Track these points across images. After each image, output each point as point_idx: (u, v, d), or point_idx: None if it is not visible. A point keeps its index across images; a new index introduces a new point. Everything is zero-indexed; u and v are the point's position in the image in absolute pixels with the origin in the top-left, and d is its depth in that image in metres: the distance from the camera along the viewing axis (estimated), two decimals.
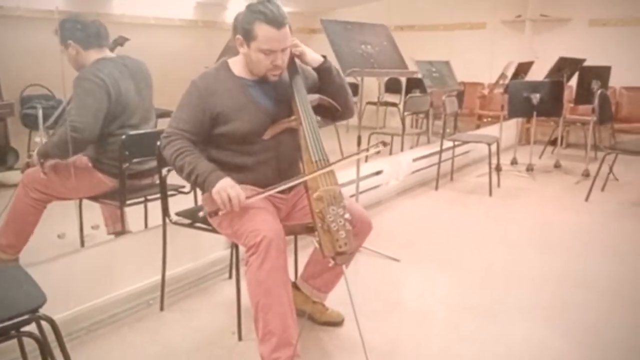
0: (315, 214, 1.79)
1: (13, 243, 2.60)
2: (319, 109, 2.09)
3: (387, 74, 3.26)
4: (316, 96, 2.08)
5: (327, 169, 1.87)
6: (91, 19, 2.62)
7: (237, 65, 2.05)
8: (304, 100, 2.00)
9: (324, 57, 2.11)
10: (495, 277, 2.81)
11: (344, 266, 1.83)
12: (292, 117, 2.01)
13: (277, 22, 1.88)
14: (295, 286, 2.24)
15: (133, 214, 2.83)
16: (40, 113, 3.03)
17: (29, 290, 1.48)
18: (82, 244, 2.68)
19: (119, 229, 2.85)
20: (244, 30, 1.92)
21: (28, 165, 2.75)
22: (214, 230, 2.07)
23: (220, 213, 1.86)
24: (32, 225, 2.61)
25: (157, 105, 2.71)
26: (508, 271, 2.90)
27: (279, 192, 1.97)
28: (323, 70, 2.09)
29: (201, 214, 1.97)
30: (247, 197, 1.85)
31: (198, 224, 2.18)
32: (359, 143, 3.05)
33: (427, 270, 2.90)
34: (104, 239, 2.53)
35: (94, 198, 2.61)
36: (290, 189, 2.07)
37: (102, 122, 2.43)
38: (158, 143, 2.25)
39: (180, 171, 1.93)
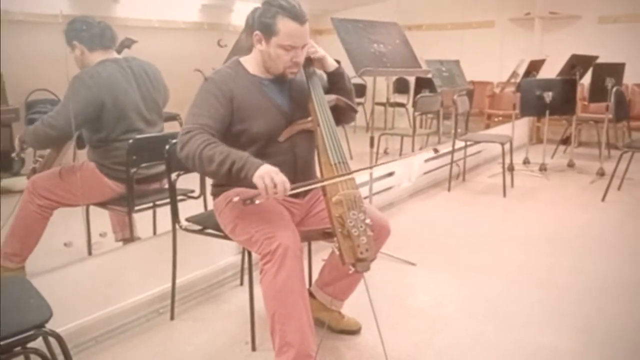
0: (335, 218, 1.70)
1: (19, 251, 2.53)
2: (333, 111, 2.01)
3: (401, 73, 3.19)
4: (333, 96, 2.00)
5: (345, 177, 1.77)
6: (98, 21, 2.56)
7: (250, 63, 1.97)
8: (322, 101, 1.92)
9: (338, 62, 2.04)
10: (514, 282, 2.72)
11: (364, 274, 1.74)
12: (309, 118, 1.93)
13: (299, 16, 1.80)
14: (310, 293, 2.15)
15: (142, 220, 2.76)
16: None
17: (34, 304, 1.41)
18: (90, 252, 2.61)
19: (128, 236, 2.78)
20: (263, 25, 1.83)
21: (34, 171, 2.70)
22: (225, 237, 1.99)
23: (257, 201, 1.68)
24: (39, 232, 2.54)
25: (164, 108, 2.65)
26: (526, 275, 2.80)
27: (293, 196, 1.88)
28: (337, 75, 2.02)
29: (236, 199, 1.73)
30: (297, 187, 1.72)
31: (209, 230, 2.10)
32: (371, 144, 2.96)
33: (444, 275, 2.81)
34: (112, 247, 2.46)
35: (102, 204, 2.53)
36: (306, 193, 1.99)
37: (91, 129, 2.40)
38: (167, 147, 2.19)
39: (209, 162, 1.70)
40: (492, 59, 7.04)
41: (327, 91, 2.05)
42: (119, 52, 2.64)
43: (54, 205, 2.52)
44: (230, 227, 1.91)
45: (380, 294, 2.54)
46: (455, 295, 2.57)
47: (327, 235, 1.89)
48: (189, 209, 2.39)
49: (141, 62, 2.61)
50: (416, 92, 6.86)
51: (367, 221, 1.70)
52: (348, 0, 7.53)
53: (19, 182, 3.73)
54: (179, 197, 2.58)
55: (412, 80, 7.57)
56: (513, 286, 2.67)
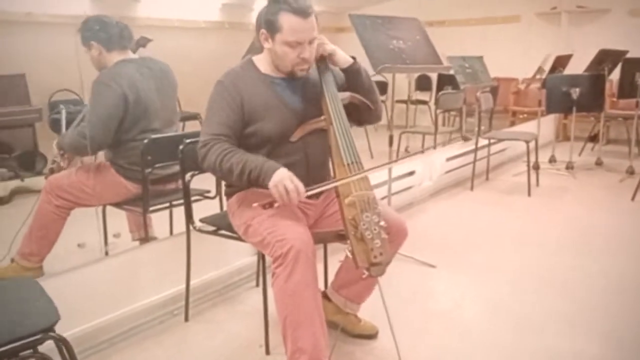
0: (348, 221, 1.65)
1: (36, 251, 2.54)
2: (348, 109, 1.96)
3: (421, 70, 3.12)
4: (347, 94, 1.94)
5: (364, 173, 1.73)
6: (115, 20, 2.54)
7: (262, 62, 1.93)
8: (335, 99, 1.87)
9: (353, 58, 1.97)
10: (538, 285, 2.63)
11: (378, 278, 1.68)
12: (322, 117, 1.88)
13: (302, 11, 1.75)
14: (325, 296, 2.11)
15: (159, 219, 2.75)
16: (63, 116, 2.99)
17: (42, 307, 1.39)
18: (106, 252, 2.61)
19: (144, 236, 2.77)
20: (267, 22, 1.80)
21: (52, 172, 2.70)
22: (239, 238, 1.95)
23: (275, 205, 1.69)
24: (56, 233, 2.54)
25: (183, 108, 2.63)
26: (551, 278, 2.71)
27: (308, 197, 1.84)
28: (352, 71, 1.95)
29: (255, 204, 1.73)
30: (311, 189, 1.70)
31: (223, 232, 2.07)
32: (390, 143, 2.90)
33: (465, 277, 2.73)
34: (126, 248, 2.44)
35: (117, 204, 2.52)
36: (320, 193, 1.94)
37: (117, 128, 2.37)
38: (180, 147, 2.17)
39: (229, 174, 1.76)
40: (518, 54, 6.88)
41: (345, 89, 1.99)
42: (134, 51, 2.63)
43: (70, 205, 2.52)
44: (243, 229, 1.88)
45: (398, 296, 2.48)
46: (476, 299, 2.49)
47: (341, 237, 1.84)
48: (205, 209, 2.36)
49: (157, 61, 2.59)
50: (438, 89, 6.74)
51: (382, 223, 1.64)
52: None
53: (41, 181, 3.77)
54: (195, 198, 2.57)
55: (434, 77, 7.44)
56: (536, 290, 2.57)
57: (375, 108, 2.00)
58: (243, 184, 1.79)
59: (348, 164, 1.74)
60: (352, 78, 1.96)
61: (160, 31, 6.15)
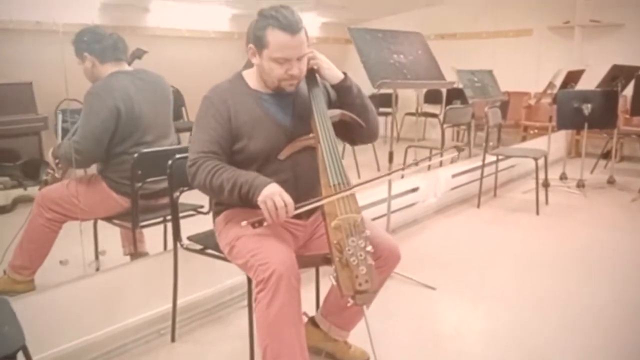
0: (333, 245, 1.58)
1: (27, 264, 2.50)
2: (340, 127, 1.89)
3: (422, 86, 3.04)
4: (338, 111, 1.87)
5: (346, 192, 1.66)
6: (110, 32, 2.51)
7: (251, 77, 1.87)
8: (323, 116, 1.79)
9: (345, 73, 1.90)
10: (543, 310, 2.52)
11: (364, 307, 1.60)
12: (311, 135, 1.81)
13: (290, 27, 1.69)
14: (313, 322, 2.03)
15: (153, 235, 2.69)
16: (59, 124, 2.98)
17: (7, 331, 1.33)
18: (97, 268, 2.56)
19: (133, 251, 2.73)
20: (255, 37, 1.74)
21: (46, 183, 2.67)
22: (225, 258, 1.88)
23: (265, 224, 1.63)
24: (48, 246, 2.50)
25: (191, 118, 2.58)
26: (559, 303, 2.60)
27: (297, 217, 1.77)
28: (343, 88, 1.88)
29: (243, 223, 1.65)
30: (296, 207, 1.64)
31: (210, 251, 2.00)
32: (390, 159, 2.82)
33: (467, 301, 2.63)
34: (114, 264, 2.38)
35: (108, 219, 2.48)
36: (309, 214, 1.87)
37: (109, 142, 2.33)
38: (169, 162, 2.11)
39: (220, 191, 1.70)
40: (530, 68, 6.77)
41: (337, 106, 1.92)
42: (129, 63, 2.59)
43: (62, 218, 2.47)
44: (227, 249, 1.81)
45: (395, 320, 2.40)
46: (477, 324, 2.40)
47: (328, 261, 1.76)
48: (200, 224, 2.29)
49: (151, 73, 2.55)
50: (447, 103, 6.66)
51: (369, 249, 1.57)
52: (380, 9, 7.39)
53: None
54: (188, 213, 2.52)
55: (444, 90, 7.37)
56: (541, 315, 2.47)
57: (368, 127, 1.92)
58: (234, 200, 1.72)
59: (334, 185, 1.66)
60: (342, 95, 1.89)
61: (170, 41, 6.16)
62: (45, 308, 1.96)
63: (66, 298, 2.03)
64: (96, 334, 2.08)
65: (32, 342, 1.42)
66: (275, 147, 1.80)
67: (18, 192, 4.20)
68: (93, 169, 2.56)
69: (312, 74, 1.88)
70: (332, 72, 1.87)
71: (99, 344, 2.08)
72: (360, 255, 1.55)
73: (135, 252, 2.53)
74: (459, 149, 2.07)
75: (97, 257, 2.58)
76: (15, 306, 1.78)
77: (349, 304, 1.54)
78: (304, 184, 1.84)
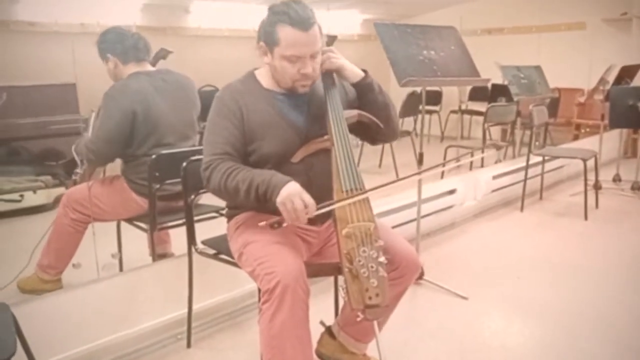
0: (343, 255, 1.48)
1: (53, 264, 2.53)
2: (357, 127, 1.78)
3: (453, 83, 2.87)
4: (355, 112, 1.76)
5: (363, 195, 1.55)
6: (132, 32, 2.50)
7: (264, 76, 1.79)
8: (339, 117, 1.69)
9: (365, 71, 1.79)
10: (585, 327, 2.32)
11: (375, 323, 1.49)
12: (326, 137, 1.71)
13: (302, 23, 1.59)
14: (330, 332, 1.93)
15: (181, 235, 2.65)
16: (91, 121, 3.00)
17: None
18: (121, 268, 2.55)
19: (161, 252, 2.70)
20: (265, 34, 1.66)
21: (74, 183, 2.68)
22: (237, 264, 1.81)
23: (284, 224, 1.55)
24: (73, 246, 2.52)
25: None
26: (607, 317, 2.39)
27: (310, 223, 1.67)
28: (363, 86, 1.77)
29: (262, 224, 1.57)
30: (318, 207, 1.55)
31: (223, 256, 1.94)
32: (420, 161, 2.67)
33: (499, 313, 2.47)
34: (132, 266, 2.36)
35: (129, 220, 2.46)
36: (324, 220, 1.77)
37: (127, 142, 2.32)
38: (184, 164, 2.06)
39: (236, 193, 1.62)
40: (583, 63, 6.41)
41: (357, 106, 1.82)
42: (153, 64, 2.57)
43: (86, 219, 2.48)
44: (237, 256, 1.74)
45: (421, 330, 2.27)
46: (508, 339, 2.23)
47: (340, 270, 1.66)
48: (223, 226, 2.23)
49: (175, 74, 2.51)
50: (491, 100, 6.38)
51: (381, 259, 1.45)
52: (424, 4, 7.18)
53: None
54: (209, 215, 2.47)
55: (489, 86, 7.08)
56: (581, 332, 2.27)
57: (389, 126, 1.80)
58: (251, 202, 1.64)
59: (346, 191, 1.56)
60: (363, 94, 1.79)
61: (211, 41, 6.20)
62: (58, 311, 1.95)
63: (79, 301, 2.01)
64: (109, 338, 2.05)
65: (42, 346, 1.40)
66: (289, 149, 1.71)
67: (59, 190, 4.29)
68: (116, 170, 2.55)
69: (328, 74, 1.78)
70: (352, 71, 1.77)
71: (112, 348, 2.06)
72: (372, 267, 1.44)
73: (153, 254, 2.50)
74: (497, 147, 1.89)
75: (120, 260, 2.57)
76: (25, 309, 1.79)
77: (358, 319, 1.43)
78: (318, 188, 1.73)
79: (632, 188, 4.56)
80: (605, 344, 2.18)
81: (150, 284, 2.20)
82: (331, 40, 1.90)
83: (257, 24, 1.75)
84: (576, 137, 6.34)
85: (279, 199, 1.54)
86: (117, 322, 2.08)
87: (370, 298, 1.41)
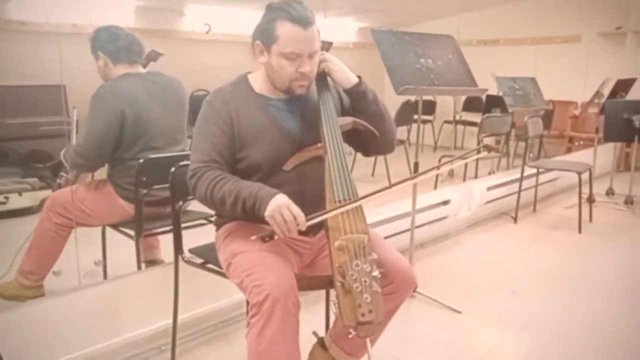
0: (335, 268, 1.41)
1: (35, 269, 2.44)
2: (352, 136, 1.72)
3: (450, 92, 2.83)
4: (349, 119, 1.71)
5: (358, 203, 1.49)
6: (126, 33, 2.43)
7: (257, 80, 1.73)
8: (332, 123, 1.64)
9: (359, 77, 1.73)
10: (581, 342, 2.27)
11: (367, 340, 1.43)
12: (319, 145, 1.65)
13: (302, 20, 1.54)
14: (322, 344, 1.86)
15: (168, 243, 2.58)
16: (74, 122, 2.94)
17: None
18: (105, 276, 2.47)
19: (151, 257, 2.63)
20: (263, 32, 1.60)
21: (59, 187, 2.61)
22: (225, 275, 1.74)
23: (276, 237, 1.49)
24: (56, 251, 2.43)
25: None
26: (602, 330, 2.35)
27: (303, 234, 1.61)
28: (356, 93, 1.71)
29: (253, 237, 1.52)
30: (307, 219, 1.49)
31: (210, 266, 1.86)
32: (415, 169, 2.62)
33: (494, 327, 2.41)
34: (114, 275, 2.29)
35: (114, 226, 2.39)
36: (317, 230, 1.71)
37: (115, 146, 2.25)
38: (172, 169, 1.99)
39: (222, 205, 1.57)
40: (577, 76, 6.41)
41: (352, 114, 1.76)
42: (144, 65, 2.50)
43: (70, 224, 2.40)
44: (225, 266, 1.67)
45: (414, 345, 2.21)
46: (503, 355, 2.18)
47: (332, 283, 1.60)
48: (209, 234, 2.17)
49: (166, 76, 2.45)
50: (485, 111, 6.36)
51: (375, 273, 1.39)
52: (420, 13, 7.17)
53: None
54: (198, 222, 2.40)
55: (483, 97, 7.08)
56: (576, 348, 2.22)
57: (383, 137, 1.75)
58: (238, 215, 1.59)
59: (339, 201, 1.50)
60: (356, 101, 1.73)
61: (205, 45, 6.14)
62: (38, 320, 1.87)
63: (61, 310, 1.93)
64: (91, 349, 1.97)
65: (19, 357, 1.32)
66: (280, 157, 1.65)
67: (46, 193, 4.19)
68: (102, 173, 2.48)
69: (323, 78, 1.72)
70: (345, 76, 1.71)
71: (94, 359, 1.97)
72: (365, 282, 1.37)
73: (138, 262, 2.42)
74: (489, 149, 1.85)
75: (104, 267, 2.49)
76: (1, 317, 1.71)
77: (350, 335, 1.37)
78: (311, 198, 1.68)
79: (626, 202, 4.54)
80: (600, 357, 2.13)
81: (135, 293, 2.13)
82: (327, 46, 1.86)
83: (252, 29, 1.70)
84: (569, 150, 6.33)
85: (267, 213, 1.49)
86: (98, 332, 2.00)
87: (363, 315, 1.34)
